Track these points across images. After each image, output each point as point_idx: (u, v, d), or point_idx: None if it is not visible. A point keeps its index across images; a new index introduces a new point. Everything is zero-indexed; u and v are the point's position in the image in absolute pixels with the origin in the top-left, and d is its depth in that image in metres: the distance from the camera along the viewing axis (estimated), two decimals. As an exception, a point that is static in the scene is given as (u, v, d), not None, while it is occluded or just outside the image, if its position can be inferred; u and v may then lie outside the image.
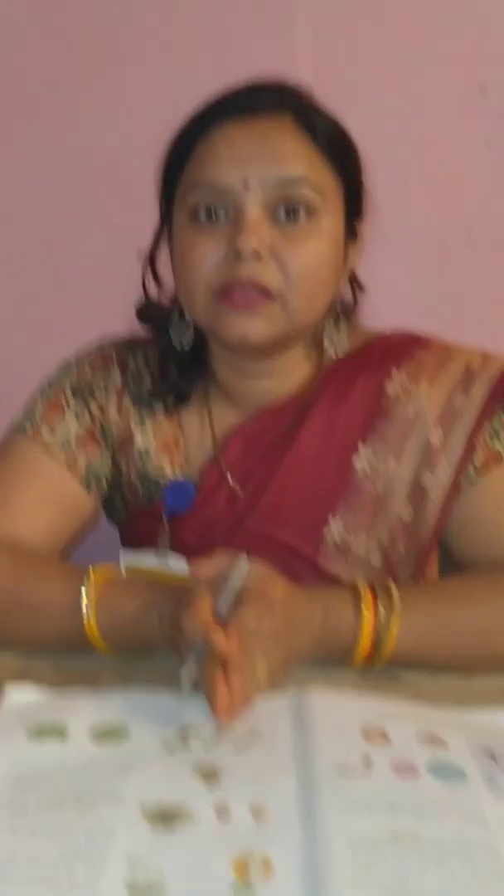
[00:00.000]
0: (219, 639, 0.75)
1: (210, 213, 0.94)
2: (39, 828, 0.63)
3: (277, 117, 0.95)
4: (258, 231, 0.92)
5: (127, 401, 1.09)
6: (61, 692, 0.83)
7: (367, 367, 1.07)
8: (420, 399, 1.04)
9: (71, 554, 1.10)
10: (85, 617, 0.88)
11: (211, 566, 0.85)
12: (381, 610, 0.86)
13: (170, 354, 1.07)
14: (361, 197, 1.03)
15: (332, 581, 1.01)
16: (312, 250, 0.94)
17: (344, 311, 1.07)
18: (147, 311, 1.09)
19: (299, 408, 1.05)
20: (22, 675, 0.87)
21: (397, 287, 1.66)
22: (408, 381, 1.05)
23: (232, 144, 0.94)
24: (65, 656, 0.92)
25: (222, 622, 0.79)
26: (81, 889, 0.57)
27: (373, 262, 1.60)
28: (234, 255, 0.92)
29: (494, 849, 0.60)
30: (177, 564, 1.00)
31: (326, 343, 1.05)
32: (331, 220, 0.96)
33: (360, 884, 0.56)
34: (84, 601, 0.88)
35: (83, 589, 0.88)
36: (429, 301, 1.73)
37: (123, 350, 1.11)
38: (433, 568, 1.15)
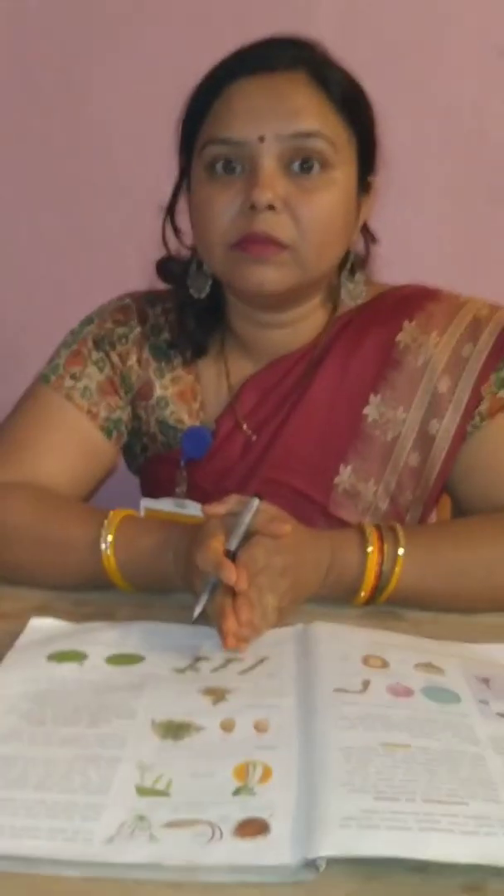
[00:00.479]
0: (228, 573, 0.79)
1: (227, 166, 0.97)
2: (56, 737, 0.68)
3: (292, 73, 0.98)
4: (273, 184, 0.95)
5: (147, 352, 1.12)
6: (80, 624, 0.88)
7: (379, 319, 1.10)
8: (429, 349, 1.07)
9: (89, 501, 1.14)
10: (104, 552, 0.92)
11: (223, 507, 0.89)
12: (386, 547, 0.90)
13: (188, 307, 1.10)
14: (374, 151, 1.05)
15: (342, 525, 1.05)
16: (325, 202, 0.97)
17: (358, 262, 1.10)
18: (166, 266, 1.13)
19: (313, 358, 1.09)
20: (43, 611, 0.91)
21: (417, 244, 1.69)
22: (418, 332, 1.08)
23: (248, 100, 0.97)
24: (83, 593, 0.96)
25: (233, 557, 0.83)
26: (93, 791, 0.62)
27: (394, 220, 1.62)
28: (250, 208, 0.95)
29: (481, 757, 0.64)
30: (193, 509, 1.04)
31: (344, 293, 1.08)
32: (344, 172, 0.99)
33: (349, 784, 0.60)
34: (103, 537, 0.93)
35: (103, 525, 0.93)
36: (448, 257, 1.75)
37: (143, 303, 1.15)
38: (445, 516, 1.18)
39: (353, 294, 1.08)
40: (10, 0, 1.73)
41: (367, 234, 1.11)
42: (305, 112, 0.96)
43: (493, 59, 1.67)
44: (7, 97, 1.79)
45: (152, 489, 1.13)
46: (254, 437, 1.09)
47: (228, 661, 0.80)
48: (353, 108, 1.01)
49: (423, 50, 1.68)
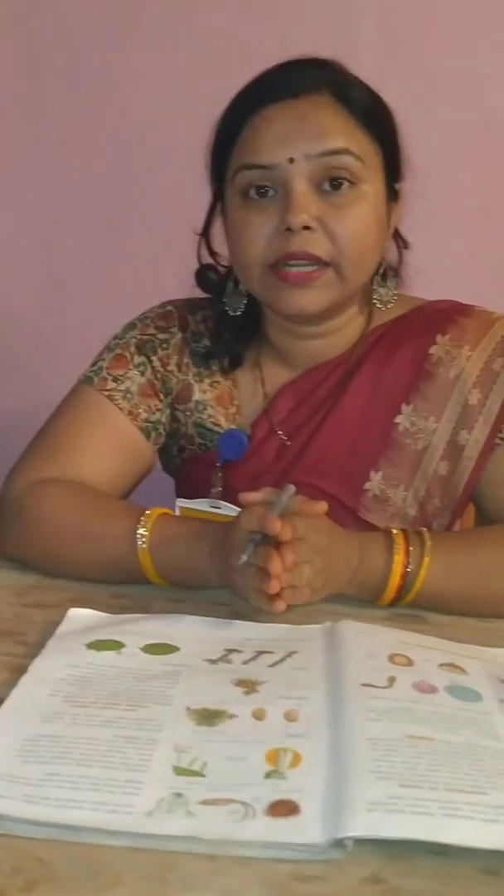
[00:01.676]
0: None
1: (260, 190, 1.02)
2: (97, 719, 0.72)
3: (316, 95, 1.02)
4: (306, 205, 0.99)
5: (187, 357, 1.17)
6: (116, 615, 0.92)
7: (413, 331, 1.13)
8: (461, 362, 1.10)
9: (127, 500, 1.18)
10: (139, 546, 0.96)
11: (259, 495, 0.92)
12: (412, 551, 0.93)
13: (224, 320, 1.15)
14: (399, 160, 1.09)
15: (371, 529, 1.08)
16: (358, 216, 1.01)
17: (390, 268, 1.14)
18: (205, 276, 1.18)
19: (347, 367, 1.13)
20: (81, 603, 0.95)
21: (450, 261, 1.72)
22: (451, 346, 1.11)
23: (276, 125, 1.01)
24: (119, 587, 1.00)
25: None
26: (133, 768, 0.66)
27: (429, 238, 1.65)
28: (286, 230, 1.00)
29: (502, 752, 0.67)
30: (227, 509, 1.07)
31: (375, 299, 1.11)
32: (372, 185, 1.03)
33: (376, 771, 0.63)
34: (140, 531, 0.97)
35: (141, 520, 0.97)
36: (480, 275, 1.78)
37: (184, 310, 1.19)
38: (469, 524, 1.21)
39: (384, 299, 1.12)
40: (58, 23, 1.79)
41: (399, 240, 1.15)
42: (332, 131, 1.00)
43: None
44: (55, 113, 1.84)
45: (187, 490, 1.17)
46: (288, 442, 1.12)
47: (259, 654, 0.83)
48: (377, 121, 1.05)
49: (459, 70, 1.72)
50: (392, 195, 1.08)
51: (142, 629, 0.88)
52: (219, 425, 1.16)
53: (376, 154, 1.04)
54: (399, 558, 0.93)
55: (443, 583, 0.94)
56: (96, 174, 1.87)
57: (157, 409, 1.15)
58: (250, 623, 0.90)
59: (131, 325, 1.19)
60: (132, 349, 1.16)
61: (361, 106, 1.03)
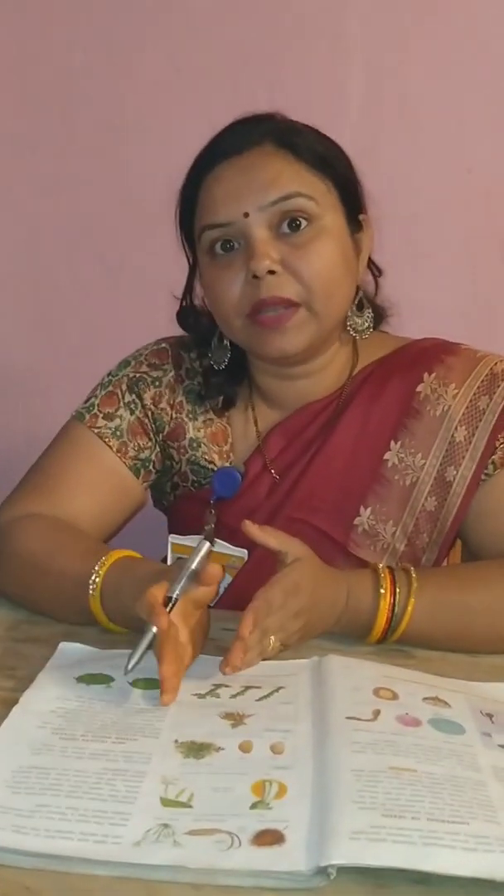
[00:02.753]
0: (160, 619, 0.81)
1: (225, 245, 1.06)
2: (86, 751, 0.73)
3: (258, 147, 1.06)
4: (267, 251, 1.03)
5: (180, 394, 1.19)
6: (106, 651, 0.93)
7: (400, 370, 1.16)
8: (448, 400, 1.13)
9: (116, 536, 1.19)
10: (90, 591, 0.95)
11: (272, 538, 0.92)
12: (398, 591, 0.95)
13: (213, 369, 1.17)
14: (357, 193, 1.12)
15: (361, 564, 1.10)
16: (320, 251, 1.05)
17: (366, 297, 1.16)
18: (186, 319, 1.21)
19: (337, 406, 1.15)
20: (71, 637, 0.96)
21: (434, 300, 1.76)
22: (438, 384, 1.14)
23: (226, 183, 1.05)
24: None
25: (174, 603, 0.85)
26: (121, 800, 0.67)
27: (415, 279, 1.69)
28: (253, 277, 1.03)
29: (482, 783, 0.69)
30: (220, 546, 1.08)
31: (349, 326, 1.14)
32: (330, 218, 1.06)
33: (359, 801, 0.65)
34: (96, 571, 0.95)
35: (98, 563, 0.96)
36: (464, 314, 1.82)
37: (178, 348, 1.22)
38: (456, 559, 1.23)
39: (359, 328, 1.14)
40: (56, 62, 1.85)
41: (373, 268, 1.18)
42: (279, 178, 1.04)
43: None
44: (49, 146, 1.89)
45: (180, 526, 1.18)
46: (278, 479, 1.14)
47: (246, 689, 0.85)
48: (324, 159, 1.08)
49: (443, 118, 1.77)
50: (356, 226, 1.11)
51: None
52: (213, 463, 1.18)
53: (329, 191, 1.07)
54: (385, 602, 0.95)
55: (428, 623, 0.95)
56: (90, 213, 1.91)
57: (147, 448, 1.17)
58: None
59: (125, 363, 1.21)
60: (123, 387, 1.18)
61: (306, 148, 1.07)
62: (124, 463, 1.15)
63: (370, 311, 1.15)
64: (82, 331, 1.96)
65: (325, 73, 1.77)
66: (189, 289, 1.19)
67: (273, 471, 1.15)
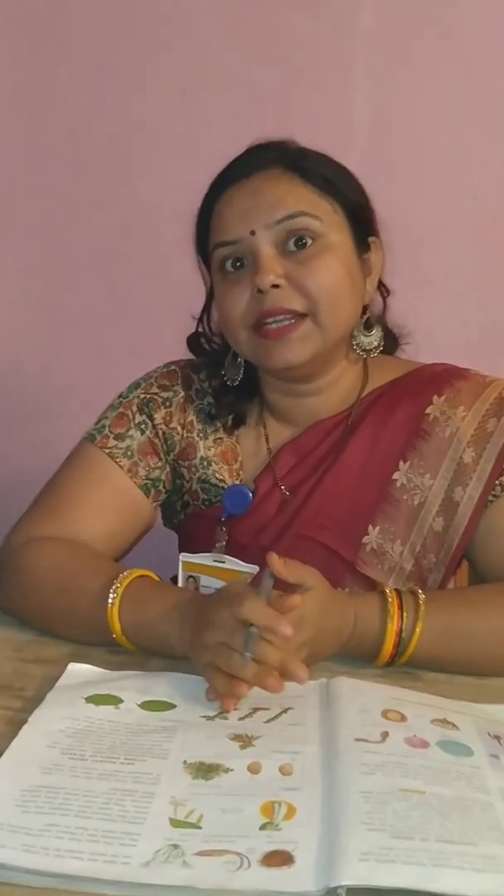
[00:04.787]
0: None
1: (235, 263, 1.10)
2: (95, 771, 0.73)
3: (266, 171, 1.10)
4: (272, 267, 1.06)
5: (191, 414, 1.21)
6: (114, 672, 0.93)
7: (411, 392, 1.18)
8: (456, 422, 1.14)
9: (127, 555, 1.20)
10: (109, 602, 0.96)
11: (291, 574, 0.90)
12: (405, 616, 0.95)
13: (225, 387, 1.19)
14: (367, 216, 1.15)
15: (368, 582, 1.11)
16: (325, 266, 1.07)
17: (375, 317, 1.18)
18: (197, 343, 1.25)
19: (347, 425, 1.17)
20: (79, 658, 0.96)
21: (444, 328, 1.77)
22: (447, 406, 1.15)
23: (236, 204, 1.09)
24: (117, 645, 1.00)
25: None
26: (130, 820, 0.67)
27: (422, 305, 1.70)
28: (258, 292, 1.06)
29: (491, 805, 0.69)
30: (231, 563, 1.08)
31: (355, 345, 1.16)
32: (336, 237, 1.09)
33: (368, 823, 0.65)
34: (113, 588, 0.97)
35: (117, 579, 0.98)
36: (473, 342, 1.84)
37: (188, 369, 1.24)
38: (463, 580, 1.23)
39: (365, 347, 1.16)
40: (70, 84, 1.88)
41: (382, 289, 1.20)
42: (285, 199, 1.08)
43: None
44: (61, 176, 1.91)
45: (190, 544, 1.20)
46: (289, 496, 1.15)
47: (255, 711, 0.85)
48: (332, 183, 1.11)
49: (448, 146, 1.80)
50: (364, 247, 1.14)
51: (139, 686, 0.89)
52: (223, 481, 1.19)
53: (335, 212, 1.10)
54: (392, 627, 0.95)
55: (436, 647, 0.95)
56: (98, 239, 1.94)
57: (157, 467, 1.19)
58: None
59: (135, 385, 1.23)
60: (134, 408, 1.19)
61: (314, 172, 1.10)
62: (135, 483, 1.16)
63: (379, 330, 1.17)
64: (92, 355, 1.98)
65: (332, 102, 1.80)
66: (206, 311, 1.21)
67: (283, 487, 1.16)
